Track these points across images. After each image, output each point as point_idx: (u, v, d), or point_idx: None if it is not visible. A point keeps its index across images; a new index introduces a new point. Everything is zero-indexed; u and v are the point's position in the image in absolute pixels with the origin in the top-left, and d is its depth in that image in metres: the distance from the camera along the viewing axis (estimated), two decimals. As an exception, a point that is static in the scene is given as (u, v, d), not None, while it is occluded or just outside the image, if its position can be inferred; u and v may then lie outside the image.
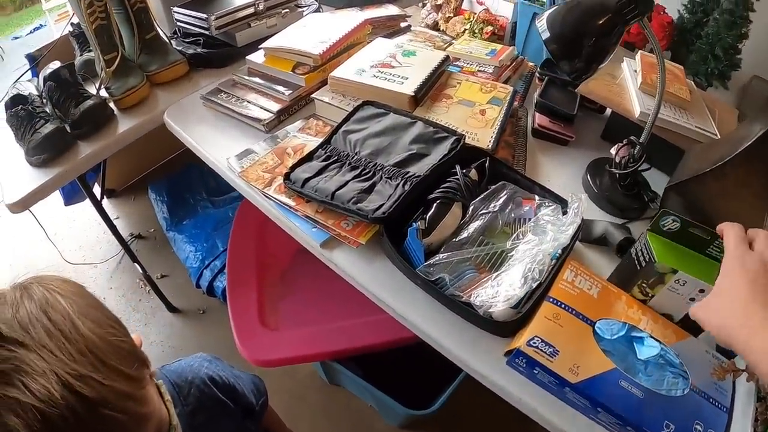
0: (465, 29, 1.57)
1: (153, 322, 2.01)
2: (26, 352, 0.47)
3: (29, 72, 1.61)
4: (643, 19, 0.90)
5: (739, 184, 0.86)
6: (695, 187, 0.90)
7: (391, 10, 1.56)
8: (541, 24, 0.96)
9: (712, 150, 0.94)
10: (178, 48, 1.51)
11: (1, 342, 0.47)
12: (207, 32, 1.49)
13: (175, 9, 1.55)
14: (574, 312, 0.75)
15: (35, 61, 1.60)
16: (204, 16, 1.45)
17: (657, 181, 1.06)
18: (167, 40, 1.52)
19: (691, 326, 0.75)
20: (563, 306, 0.75)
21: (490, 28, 1.53)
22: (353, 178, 0.94)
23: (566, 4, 0.95)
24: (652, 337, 0.75)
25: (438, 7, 1.66)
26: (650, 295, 0.80)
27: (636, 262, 0.80)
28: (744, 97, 1.69)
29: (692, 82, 1.30)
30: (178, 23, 1.58)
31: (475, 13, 1.58)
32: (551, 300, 0.76)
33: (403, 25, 1.58)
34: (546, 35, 0.95)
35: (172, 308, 2.03)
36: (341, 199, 0.89)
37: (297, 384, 1.75)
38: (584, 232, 0.93)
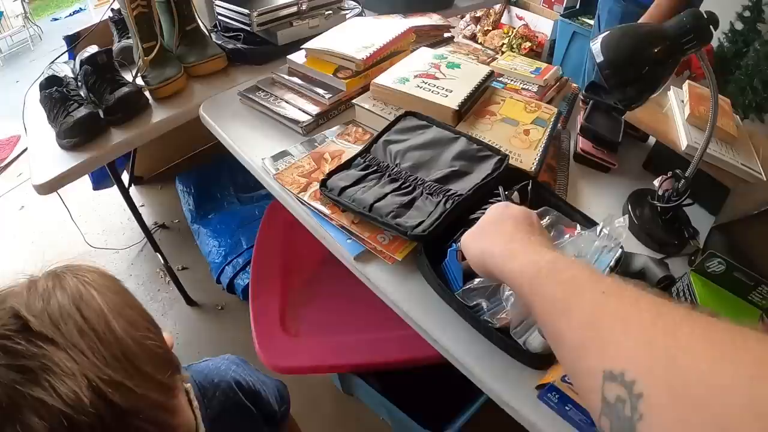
0: (503, 43, 1.55)
1: (170, 313, 2.01)
2: (55, 349, 0.45)
3: (66, 54, 1.62)
4: (700, 50, 0.87)
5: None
6: (741, 229, 0.87)
7: (435, 19, 1.54)
8: (596, 47, 0.93)
9: (758, 191, 0.92)
10: (217, 42, 1.51)
11: (30, 336, 0.45)
12: (248, 28, 1.49)
13: (218, 2, 1.55)
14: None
15: (73, 43, 1.61)
16: (246, 11, 1.45)
17: (697, 216, 1.03)
18: (207, 33, 1.51)
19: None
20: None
21: (528, 43, 1.51)
22: (393, 191, 0.91)
23: (621, 29, 0.93)
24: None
25: (477, 20, 1.65)
26: (690, 337, 0.77)
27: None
28: (779, 132, 1.65)
29: (738, 117, 1.27)
30: (219, 17, 1.58)
31: (514, 28, 1.56)
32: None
33: (446, 35, 1.56)
34: (600, 59, 0.92)
35: (190, 301, 2.03)
36: (380, 212, 0.86)
37: (310, 390, 1.72)
38: (623, 266, 0.91)
